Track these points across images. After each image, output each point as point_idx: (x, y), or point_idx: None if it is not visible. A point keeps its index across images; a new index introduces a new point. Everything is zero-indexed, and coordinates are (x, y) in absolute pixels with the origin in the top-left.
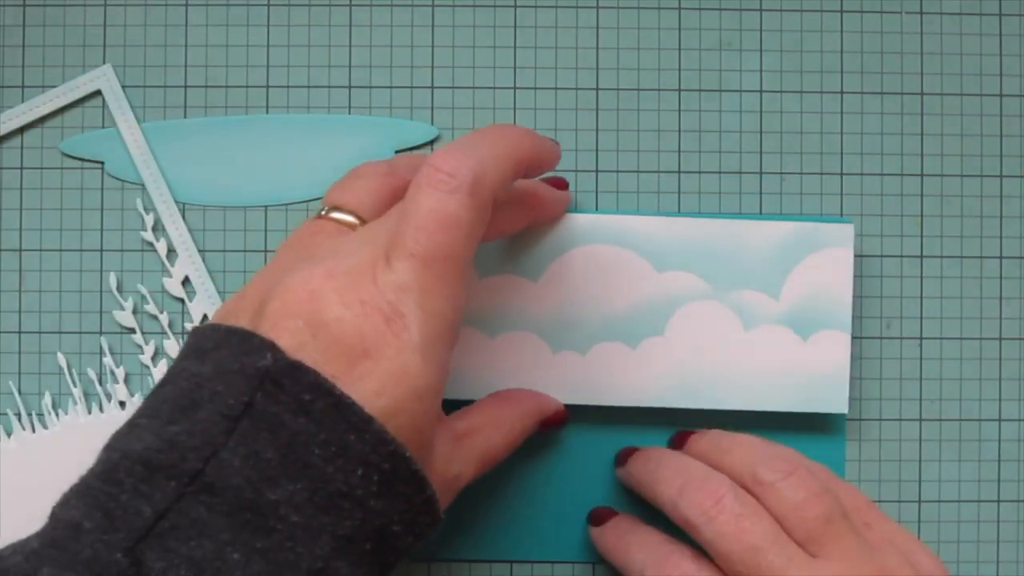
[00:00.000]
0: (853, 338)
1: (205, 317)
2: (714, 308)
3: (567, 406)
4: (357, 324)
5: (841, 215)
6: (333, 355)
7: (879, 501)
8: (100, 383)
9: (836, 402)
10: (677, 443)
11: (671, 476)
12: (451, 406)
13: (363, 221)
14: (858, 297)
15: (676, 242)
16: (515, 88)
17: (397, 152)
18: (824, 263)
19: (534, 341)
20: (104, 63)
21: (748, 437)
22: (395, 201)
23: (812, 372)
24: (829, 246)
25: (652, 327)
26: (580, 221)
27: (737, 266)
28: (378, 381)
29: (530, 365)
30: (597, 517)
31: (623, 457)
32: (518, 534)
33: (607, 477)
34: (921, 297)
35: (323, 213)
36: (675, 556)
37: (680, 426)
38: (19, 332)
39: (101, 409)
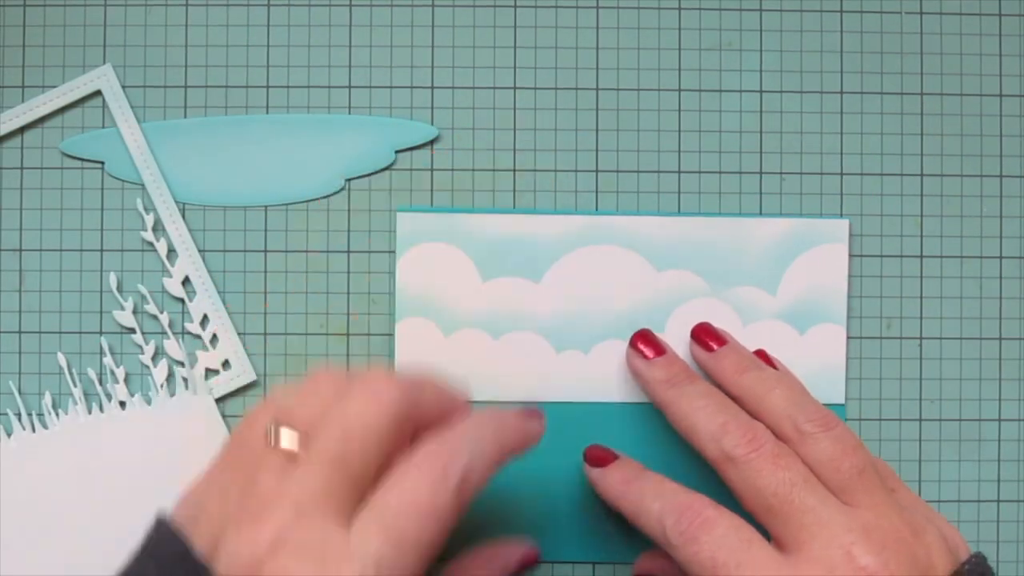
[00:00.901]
0: (853, 338)
1: (205, 317)
2: (713, 305)
3: (569, 404)
4: None
5: (841, 215)
6: None
7: None
8: (100, 383)
9: (833, 393)
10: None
11: (714, 411)
12: None
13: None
14: (858, 297)
15: (675, 241)
16: (515, 88)
17: (397, 152)
18: (820, 259)
19: (538, 341)
20: (104, 63)
21: (790, 379)
22: None
23: (809, 365)
24: (825, 242)
25: (653, 325)
26: (580, 222)
27: (735, 263)
28: None
29: (534, 365)
30: (597, 458)
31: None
32: (518, 534)
33: None
34: (921, 297)
35: (272, 431)
36: (696, 504)
37: None
38: (19, 332)
39: (101, 409)
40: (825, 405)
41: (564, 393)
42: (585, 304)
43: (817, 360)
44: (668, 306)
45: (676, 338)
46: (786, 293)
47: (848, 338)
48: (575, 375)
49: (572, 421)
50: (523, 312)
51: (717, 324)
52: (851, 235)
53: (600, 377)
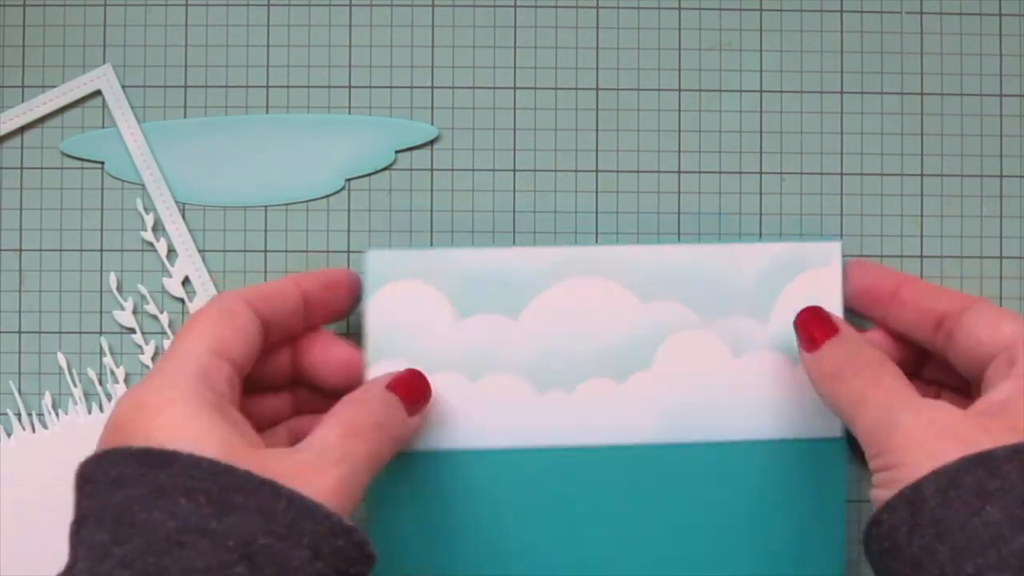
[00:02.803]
0: None
1: None
2: (702, 337)
3: (552, 450)
4: None
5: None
6: None
7: None
8: (100, 383)
9: (831, 427)
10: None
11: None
12: (435, 457)
13: None
14: None
15: (660, 271)
16: (515, 88)
17: (397, 152)
18: (813, 283)
19: (518, 383)
20: (104, 63)
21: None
22: None
23: (805, 396)
24: (817, 266)
25: (639, 360)
26: (560, 254)
27: (724, 292)
28: None
29: (515, 408)
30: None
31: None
32: None
33: (603, 515)
34: None
35: None
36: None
37: (672, 462)
38: (19, 332)
39: (101, 409)
40: (821, 439)
41: (547, 437)
42: (567, 341)
43: (813, 390)
44: (655, 339)
45: (665, 373)
46: (779, 321)
47: None
48: (558, 417)
49: (555, 468)
50: (502, 351)
51: (707, 357)
52: (851, 235)
53: (586, 418)
